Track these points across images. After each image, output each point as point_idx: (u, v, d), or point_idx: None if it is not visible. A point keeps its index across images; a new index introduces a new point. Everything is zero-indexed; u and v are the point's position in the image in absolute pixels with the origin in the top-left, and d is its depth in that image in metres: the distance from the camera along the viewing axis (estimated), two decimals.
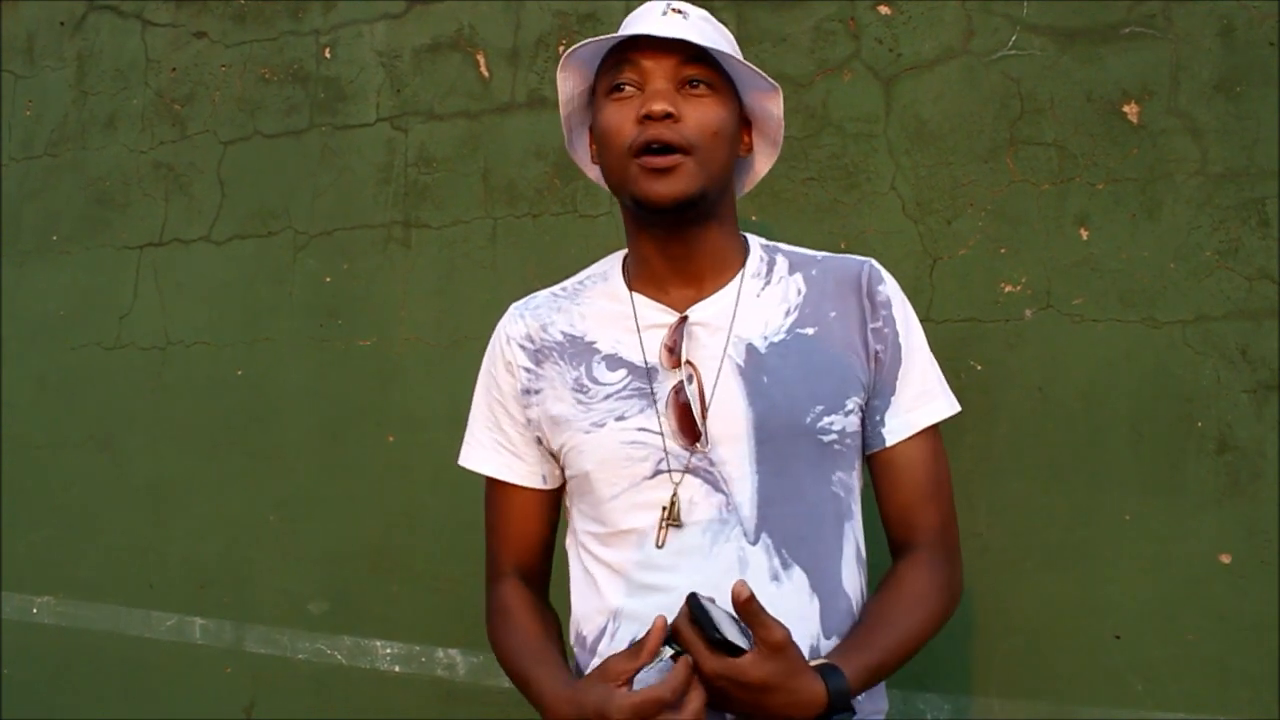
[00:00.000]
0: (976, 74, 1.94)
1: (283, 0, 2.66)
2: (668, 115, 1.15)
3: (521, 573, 1.36)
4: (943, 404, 1.28)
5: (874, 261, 1.31)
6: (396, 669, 2.40)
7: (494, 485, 1.35)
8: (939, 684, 1.91)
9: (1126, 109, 1.84)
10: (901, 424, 1.25)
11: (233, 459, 2.64)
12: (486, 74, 2.39)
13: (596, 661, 1.19)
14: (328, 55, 2.58)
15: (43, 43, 3.04)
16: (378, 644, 2.43)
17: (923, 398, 1.27)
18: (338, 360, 2.51)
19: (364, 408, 2.47)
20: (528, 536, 1.35)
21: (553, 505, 1.36)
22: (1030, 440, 1.87)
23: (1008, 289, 1.90)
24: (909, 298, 1.33)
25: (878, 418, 1.25)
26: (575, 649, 1.28)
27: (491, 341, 1.36)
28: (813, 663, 1.08)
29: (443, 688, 2.34)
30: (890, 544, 1.30)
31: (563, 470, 1.31)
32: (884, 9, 2.01)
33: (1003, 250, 1.91)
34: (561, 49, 2.30)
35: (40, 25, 3.04)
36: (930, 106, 1.97)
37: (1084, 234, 1.86)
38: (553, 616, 1.34)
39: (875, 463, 1.28)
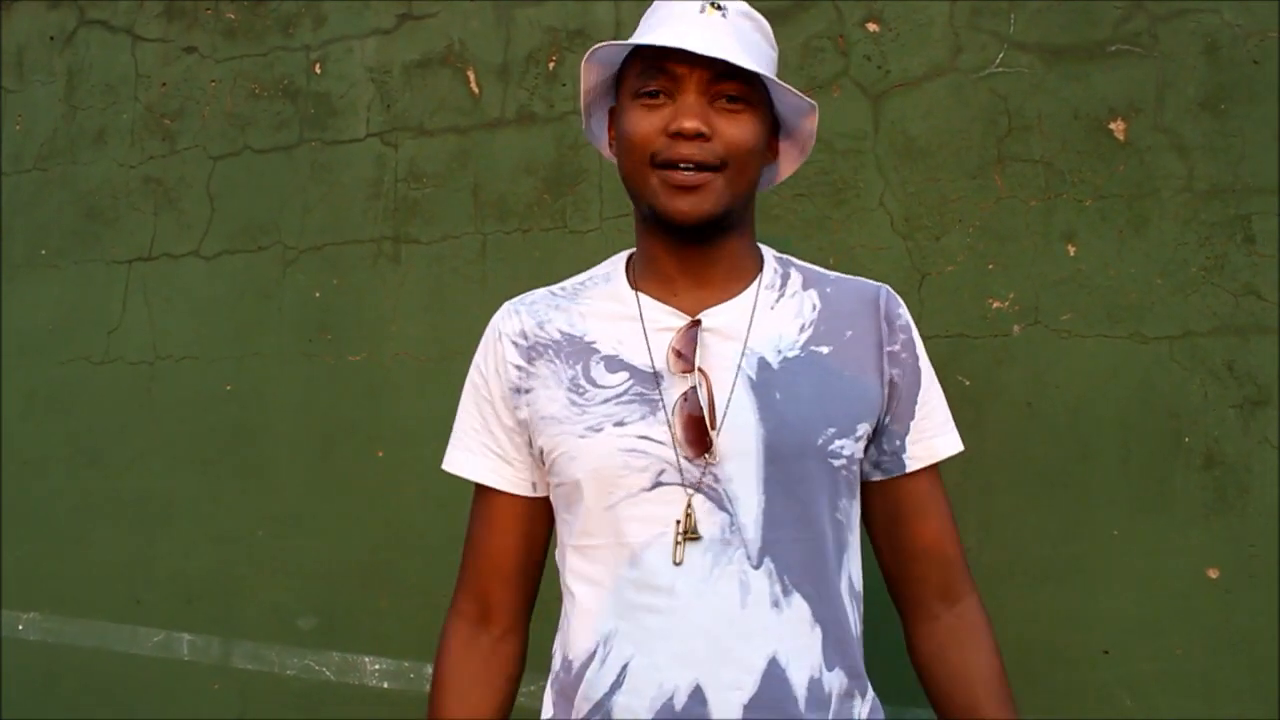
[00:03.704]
0: (964, 91, 1.95)
1: (273, 15, 2.66)
2: (699, 135, 1.10)
3: (486, 601, 1.27)
4: (956, 438, 1.26)
5: (889, 288, 1.26)
6: (385, 685, 2.39)
7: (480, 492, 1.28)
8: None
9: (1113, 126, 1.86)
10: (925, 450, 1.22)
11: (221, 474, 2.63)
12: (476, 90, 2.40)
13: (585, 689, 1.13)
14: (318, 71, 2.59)
15: (32, 57, 3.03)
16: (366, 660, 2.42)
17: (944, 427, 1.24)
18: (327, 375, 2.51)
19: (353, 423, 2.47)
20: (507, 552, 1.26)
21: (540, 518, 1.27)
22: (1018, 456, 1.87)
23: (996, 305, 1.91)
24: None
25: (898, 443, 1.21)
26: (560, 674, 1.19)
27: (483, 339, 1.28)
28: None
29: None
30: (909, 582, 1.25)
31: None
32: (872, 26, 2.02)
33: (991, 266, 1.91)
34: (551, 65, 2.31)
35: (30, 39, 3.04)
36: (918, 123, 1.98)
37: (1071, 250, 1.86)
38: (501, 681, 1.26)
39: (892, 491, 1.23)
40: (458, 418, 1.29)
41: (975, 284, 1.92)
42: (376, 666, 2.40)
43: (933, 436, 1.23)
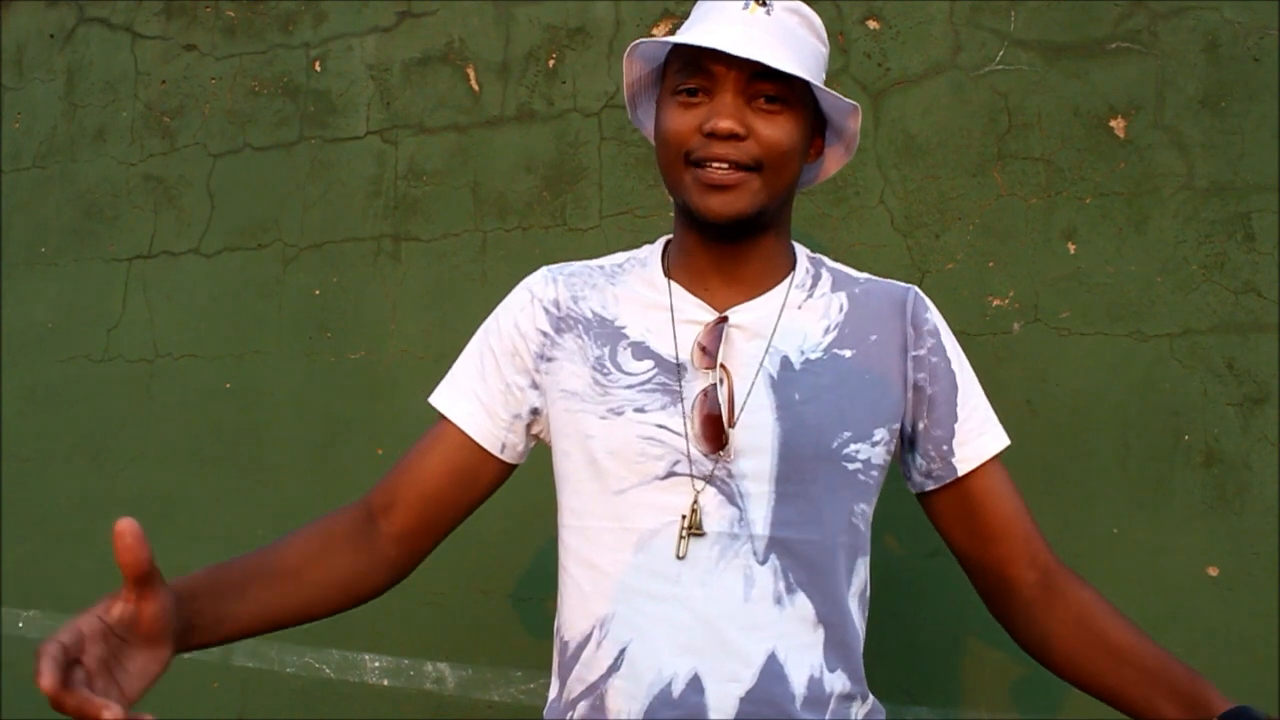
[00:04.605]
0: (964, 88, 1.95)
1: (273, 13, 2.66)
2: (734, 135, 1.09)
3: (393, 500, 1.26)
4: (1001, 432, 1.24)
5: (918, 289, 1.25)
6: (385, 682, 2.39)
7: (443, 424, 1.26)
8: (929, 697, 1.90)
9: (1113, 123, 1.86)
10: (974, 451, 1.21)
11: (221, 472, 2.63)
12: (476, 87, 2.40)
13: (579, 670, 1.13)
14: (318, 68, 2.58)
15: (32, 54, 3.03)
16: (366, 657, 2.42)
17: (988, 424, 1.23)
18: (327, 373, 2.51)
19: (353, 421, 2.47)
20: (434, 477, 1.25)
21: (483, 480, 1.26)
22: (1018, 453, 1.84)
23: (996, 302, 1.91)
24: None
25: (945, 448, 1.20)
26: (557, 657, 1.19)
27: (513, 295, 1.27)
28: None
29: (432, 701, 2.33)
30: (999, 563, 1.22)
31: (543, 449, 1.25)
32: (873, 23, 2.02)
33: (991, 264, 1.91)
34: (551, 63, 2.31)
35: (30, 37, 3.04)
36: (918, 121, 1.98)
37: (1071, 248, 1.86)
38: (358, 562, 1.25)
39: (953, 495, 1.22)
40: (459, 359, 1.29)
41: (975, 282, 1.92)
42: (376, 664, 2.40)
43: (979, 436, 1.21)
